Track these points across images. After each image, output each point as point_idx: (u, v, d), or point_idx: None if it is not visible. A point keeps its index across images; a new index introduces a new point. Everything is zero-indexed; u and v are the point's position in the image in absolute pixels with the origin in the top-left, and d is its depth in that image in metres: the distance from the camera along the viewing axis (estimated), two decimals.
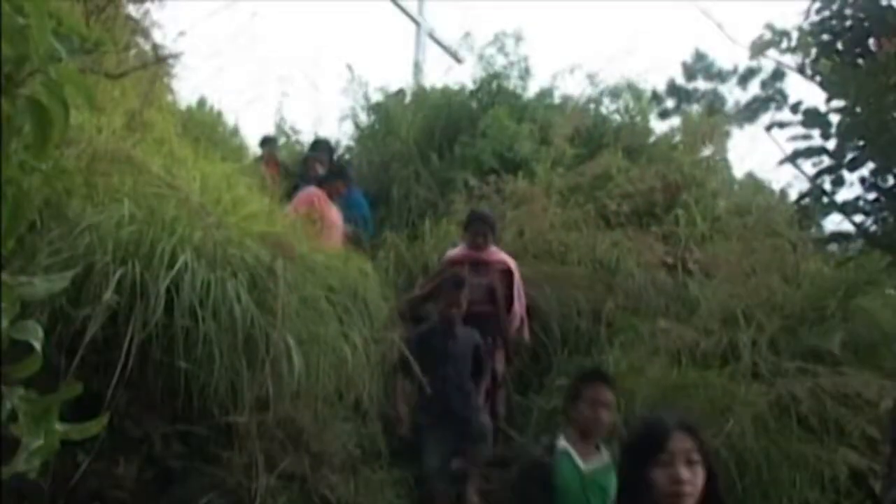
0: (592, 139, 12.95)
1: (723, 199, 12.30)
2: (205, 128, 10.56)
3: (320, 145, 12.41)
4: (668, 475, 3.31)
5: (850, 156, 5.49)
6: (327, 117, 17.58)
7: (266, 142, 13.23)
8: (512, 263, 8.69)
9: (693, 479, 3.33)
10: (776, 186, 12.63)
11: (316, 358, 5.81)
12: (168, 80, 9.16)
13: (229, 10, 9.00)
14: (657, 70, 22.20)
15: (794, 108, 5.54)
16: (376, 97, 14.83)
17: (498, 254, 8.75)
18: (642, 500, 3.37)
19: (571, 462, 5.04)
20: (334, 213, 9.22)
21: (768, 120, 5.92)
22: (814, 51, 5.84)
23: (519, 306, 8.60)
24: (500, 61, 14.38)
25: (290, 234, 6.56)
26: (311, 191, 9.43)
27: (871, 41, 5.67)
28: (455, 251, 8.85)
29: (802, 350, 7.96)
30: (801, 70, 5.92)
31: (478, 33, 15.01)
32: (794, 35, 5.84)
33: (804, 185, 6.01)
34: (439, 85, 15.07)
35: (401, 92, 15.01)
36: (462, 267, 8.29)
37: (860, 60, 5.69)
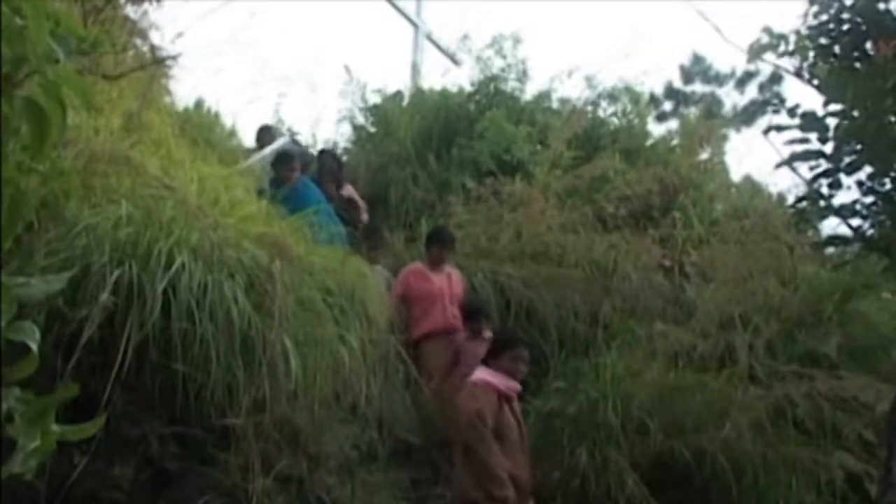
0: (590, 142, 12.95)
1: (720, 202, 12.33)
2: (202, 129, 10.55)
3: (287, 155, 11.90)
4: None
5: (847, 159, 5.51)
6: (325, 119, 17.53)
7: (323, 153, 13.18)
8: None
9: None
10: (774, 190, 12.69)
11: (313, 360, 5.80)
12: (166, 81, 9.16)
13: (227, 11, 8.99)
14: (655, 73, 22.16)
15: (792, 112, 5.56)
16: (374, 99, 14.83)
17: None
18: None
19: None
20: (435, 283, 8.93)
21: (766, 123, 5.93)
22: (811, 54, 5.86)
23: None
24: (497, 64, 14.36)
25: (287, 235, 6.55)
26: (408, 269, 9.18)
27: (868, 45, 5.69)
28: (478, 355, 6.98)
29: (799, 353, 7.98)
30: (798, 73, 5.94)
31: (476, 36, 15.00)
32: (792, 38, 5.87)
33: (802, 189, 6.03)
34: (437, 87, 15.07)
35: (399, 94, 15.01)
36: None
37: (858, 64, 5.70)
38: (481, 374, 6.45)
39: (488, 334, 8.02)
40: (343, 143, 14.68)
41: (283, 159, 10.65)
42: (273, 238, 6.15)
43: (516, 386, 6.48)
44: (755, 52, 6.00)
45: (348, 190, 11.19)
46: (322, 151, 13.15)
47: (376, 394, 6.56)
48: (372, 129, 14.48)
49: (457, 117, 13.64)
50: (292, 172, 10.37)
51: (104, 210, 5.33)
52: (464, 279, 9.22)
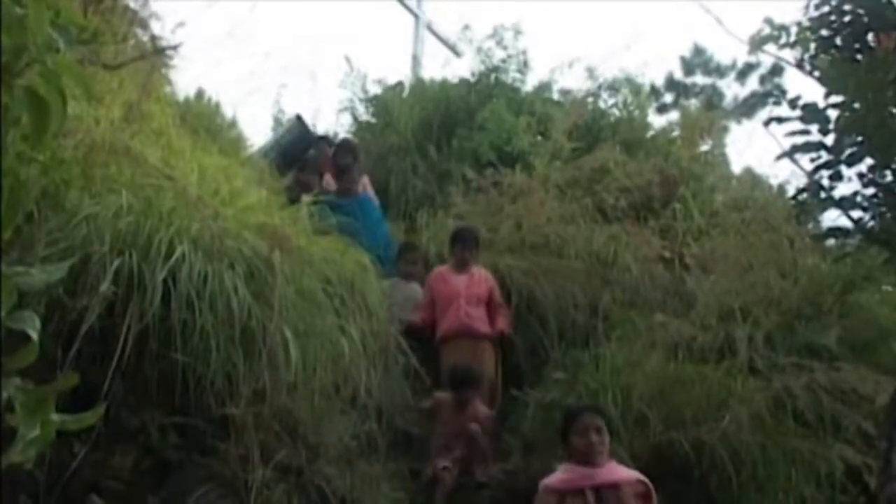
0: (590, 133, 12.92)
1: (720, 193, 12.30)
2: (203, 119, 10.53)
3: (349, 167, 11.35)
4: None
5: (848, 151, 5.50)
6: (326, 109, 17.54)
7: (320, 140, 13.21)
8: None
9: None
10: (774, 181, 12.62)
11: (313, 350, 5.82)
12: (166, 71, 9.13)
13: (228, 1, 8.98)
14: (656, 64, 22.20)
15: (793, 104, 5.55)
16: (374, 90, 14.83)
17: None
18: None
19: None
20: (452, 285, 8.96)
21: (767, 115, 5.92)
22: (813, 46, 5.85)
23: None
24: (498, 55, 14.35)
25: (287, 226, 6.55)
26: (432, 272, 9.29)
27: (870, 37, 5.68)
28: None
29: (799, 345, 7.97)
30: (799, 65, 5.93)
31: (476, 26, 14.98)
32: (793, 30, 5.85)
33: (802, 181, 6.03)
34: (438, 78, 15.07)
35: (399, 84, 14.99)
36: None
37: (859, 56, 5.70)
38: (553, 475, 5.60)
39: (478, 412, 7.87)
40: (343, 134, 14.66)
41: (346, 170, 10.85)
42: (273, 228, 6.16)
43: (586, 476, 5.40)
44: (756, 43, 5.99)
45: (363, 182, 11.13)
46: (320, 139, 13.16)
47: (376, 384, 6.57)
48: (372, 120, 14.48)
49: (457, 108, 13.64)
50: (354, 184, 10.47)
51: (104, 200, 5.33)
52: (492, 280, 9.13)
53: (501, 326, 8.88)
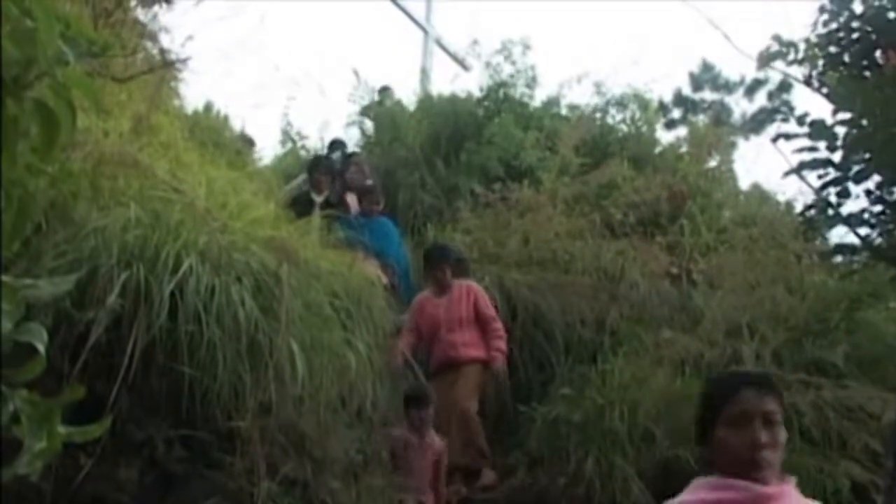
0: (598, 148, 12.96)
1: (728, 209, 12.30)
2: (211, 132, 10.55)
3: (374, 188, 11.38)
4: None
5: (855, 168, 5.50)
6: (334, 123, 17.65)
7: (335, 146, 13.34)
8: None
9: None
10: (782, 198, 12.65)
11: (319, 364, 5.81)
12: (175, 84, 9.17)
13: (237, 14, 9.00)
14: (664, 80, 22.20)
15: (801, 120, 5.55)
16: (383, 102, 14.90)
17: None
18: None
19: None
20: (428, 312, 8.55)
21: (774, 131, 5.93)
22: (821, 63, 5.87)
23: None
24: (507, 69, 14.40)
25: (295, 239, 6.56)
26: (414, 300, 8.89)
27: (878, 54, 5.69)
28: None
29: (806, 362, 7.96)
30: (808, 82, 5.94)
31: (485, 41, 15.03)
32: (802, 47, 5.87)
33: (810, 197, 6.02)
34: (446, 92, 15.10)
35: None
36: None
37: (867, 73, 5.71)
38: (687, 496, 3.00)
39: (428, 440, 7.24)
40: (352, 148, 14.71)
41: (371, 191, 10.90)
42: (281, 242, 6.16)
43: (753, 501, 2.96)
44: (765, 59, 6.01)
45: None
46: (353, 154, 13.31)
47: (382, 398, 6.56)
48: (376, 130, 14.56)
49: (465, 122, 13.66)
50: (376, 206, 10.53)
51: (112, 212, 5.34)
52: (476, 293, 8.66)
53: (494, 355, 8.33)
